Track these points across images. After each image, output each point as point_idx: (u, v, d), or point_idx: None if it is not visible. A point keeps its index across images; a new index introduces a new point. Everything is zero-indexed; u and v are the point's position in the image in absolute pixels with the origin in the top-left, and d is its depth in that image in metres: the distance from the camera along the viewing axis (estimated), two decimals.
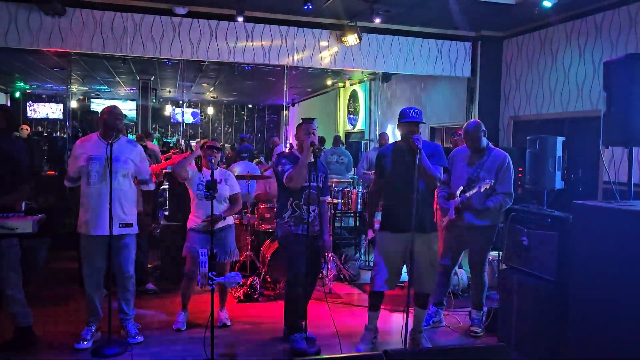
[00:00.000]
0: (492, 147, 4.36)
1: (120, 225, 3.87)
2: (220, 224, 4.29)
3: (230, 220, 4.48)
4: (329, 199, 4.33)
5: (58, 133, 16.91)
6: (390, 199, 3.94)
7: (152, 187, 4.24)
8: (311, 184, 3.86)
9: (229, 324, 4.38)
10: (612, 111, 3.63)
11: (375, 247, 3.98)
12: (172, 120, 19.11)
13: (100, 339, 3.93)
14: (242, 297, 5.05)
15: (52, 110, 17.84)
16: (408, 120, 3.76)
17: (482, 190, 4.05)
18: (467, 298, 5.04)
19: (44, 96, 17.95)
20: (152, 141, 9.47)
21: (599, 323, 3.27)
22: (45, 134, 14.97)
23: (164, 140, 17.15)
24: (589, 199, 5.02)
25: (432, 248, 3.86)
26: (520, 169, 5.45)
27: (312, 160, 3.83)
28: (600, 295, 3.26)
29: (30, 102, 17.72)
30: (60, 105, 17.80)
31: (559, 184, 4.74)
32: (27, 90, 17.19)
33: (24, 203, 3.94)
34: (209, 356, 3.48)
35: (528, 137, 4.96)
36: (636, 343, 3.01)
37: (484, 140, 4.29)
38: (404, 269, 3.92)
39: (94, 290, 3.94)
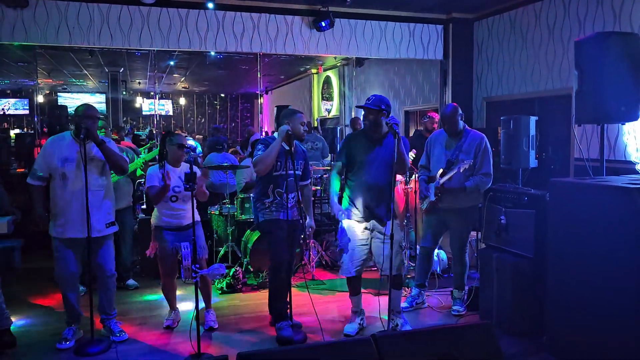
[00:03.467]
0: (469, 129, 4.41)
1: (107, 225, 3.81)
2: (188, 221, 4.01)
3: (197, 216, 4.13)
4: (309, 182, 4.27)
5: (25, 129, 16.43)
6: (354, 186, 3.92)
7: (126, 167, 4.02)
8: (288, 172, 3.85)
9: (215, 326, 4.16)
10: (584, 89, 3.71)
11: (341, 234, 4.00)
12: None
13: (83, 338, 3.87)
14: (225, 288, 5.04)
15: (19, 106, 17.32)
16: (361, 105, 3.86)
17: (461, 171, 4.11)
18: (449, 278, 5.14)
19: (8, 91, 17.40)
20: (125, 137, 9.27)
21: (576, 297, 3.37)
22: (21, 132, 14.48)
23: (135, 133, 16.82)
24: (562, 176, 5.15)
25: (397, 232, 3.88)
26: (493, 149, 5.55)
27: (288, 148, 3.83)
28: (577, 270, 3.36)
29: None
30: (26, 101, 17.29)
31: (533, 162, 4.83)
32: None
33: None
34: (195, 349, 3.47)
35: (502, 118, 5.03)
36: (612, 315, 3.12)
37: (461, 123, 4.34)
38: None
39: (71, 291, 3.85)
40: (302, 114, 4.05)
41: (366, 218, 3.87)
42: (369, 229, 3.89)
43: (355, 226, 3.90)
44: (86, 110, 3.79)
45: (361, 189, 3.86)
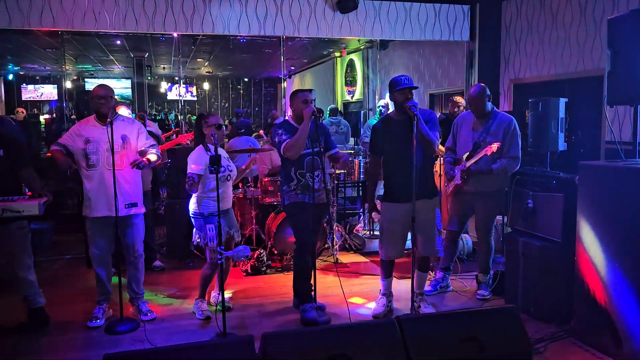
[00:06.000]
0: (497, 111, 4.33)
1: (126, 206, 3.87)
2: (227, 204, 4.03)
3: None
4: (337, 150, 4.17)
5: (54, 114, 16.79)
6: (390, 170, 3.96)
7: (157, 152, 4.05)
8: (314, 149, 3.85)
9: (230, 305, 4.18)
10: (617, 70, 3.59)
11: (380, 217, 4.01)
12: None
13: (113, 317, 3.98)
14: (249, 270, 5.10)
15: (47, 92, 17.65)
16: (402, 88, 3.76)
17: (488, 154, 4.04)
18: (473, 262, 5.10)
19: (37, 78, 17.75)
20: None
21: (605, 282, 3.31)
22: (49, 116, 14.77)
23: (157, 118, 17.00)
24: (592, 160, 5.02)
25: (435, 212, 3.91)
26: (521, 133, 5.44)
27: (314, 129, 3.82)
28: (606, 254, 3.29)
29: (24, 84, 17.53)
30: (55, 86, 17.62)
31: (562, 145, 4.72)
32: (20, 73, 16.99)
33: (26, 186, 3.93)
34: (220, 329, 3.52)
35: (530, 100, 4.91)
36: None
37: (489, 105, 4.25)
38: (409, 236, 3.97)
39: (103, 271, 3.96)
40: (306, 92, 3.97)
41: (404, 200, 3.80)
42: (407, 211, 3.82)
43: (394, 209, 3.88)
44: (99, 91, 3.86)
45: (398, 171, 3.84)
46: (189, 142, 6.58)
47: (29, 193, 3.68)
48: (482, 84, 4.34)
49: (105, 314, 3.98)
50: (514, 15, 7.03)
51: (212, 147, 3.91)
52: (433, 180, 4.04)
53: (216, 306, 3.91)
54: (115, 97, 4.05)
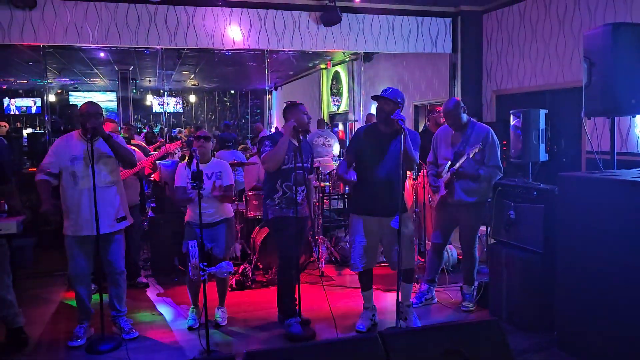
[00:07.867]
0: (474, 121, 4.38)
1: (118, 220, 3.84)
2: (215, 218, 4.12)
3: (228, 212, 4.26)
4: (313, 177, 4.29)
5: (37, 128, 16.60)
6: (365, 182, 3.86)
7: (134, 161, 4.10)
8: (297, 164, 3.85)
9: (223, 324, 4.16)
10: (593, 82, 3.65)
11: (350, 230, 4.02)
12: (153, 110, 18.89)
13: (94, 336, 3.91)
14: (234, 285, 5.05)
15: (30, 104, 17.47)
16: (377, 95, 3.79)
17: (471, 156, 4.07)
18: (458, 273, 5.11)
19: (20, 91, 17.57)
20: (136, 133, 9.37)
21: (585, 292, 3.34)
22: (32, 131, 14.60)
23: (143, 131, 16.87)
24: (573, 170, 5.09)
25: (408, 226, 3.89)
26: (504, 142, 5.49)
27: (297, 144, 3.83)
28: (587, 265, 3.32)
29: (7, 97, 17.34)
30: (38, 100, 17.45)
31: (543, 156, 4.77)
32: (3, 86, 16.82)
33: (5, 203, 3.86)
34: (204, 347, 3.48)
35: (511, 111, 4.98)
36: (621, 310, 3.08)
37: (464, 117, 4.31)
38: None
39: (83, 289, 3.90)
40: (303, 105, 4.06)
41: (376, 213, 3.83)
42: (378, 224, 3.86)
43: (364, 221, 3.88)
44: (89, 108, 3.82)
45: (372, 184, 3.82)
46: (177, 150, 6.62)
47: (7, 210, 3.62)
48: (456, 98, 4.42)
49: (86, 333, 3.91)
50: (494, 27, 7.13)
51: (215, 163, 4.03)
52: (403, 195, 4.02)
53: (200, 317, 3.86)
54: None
